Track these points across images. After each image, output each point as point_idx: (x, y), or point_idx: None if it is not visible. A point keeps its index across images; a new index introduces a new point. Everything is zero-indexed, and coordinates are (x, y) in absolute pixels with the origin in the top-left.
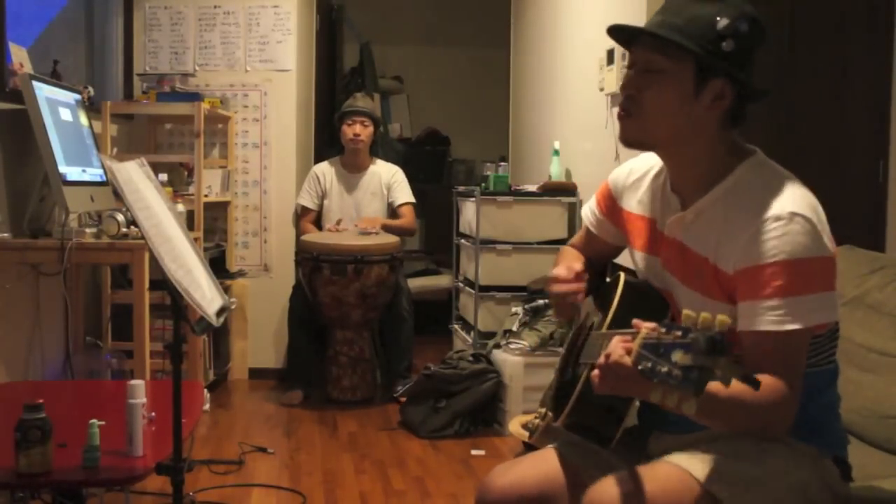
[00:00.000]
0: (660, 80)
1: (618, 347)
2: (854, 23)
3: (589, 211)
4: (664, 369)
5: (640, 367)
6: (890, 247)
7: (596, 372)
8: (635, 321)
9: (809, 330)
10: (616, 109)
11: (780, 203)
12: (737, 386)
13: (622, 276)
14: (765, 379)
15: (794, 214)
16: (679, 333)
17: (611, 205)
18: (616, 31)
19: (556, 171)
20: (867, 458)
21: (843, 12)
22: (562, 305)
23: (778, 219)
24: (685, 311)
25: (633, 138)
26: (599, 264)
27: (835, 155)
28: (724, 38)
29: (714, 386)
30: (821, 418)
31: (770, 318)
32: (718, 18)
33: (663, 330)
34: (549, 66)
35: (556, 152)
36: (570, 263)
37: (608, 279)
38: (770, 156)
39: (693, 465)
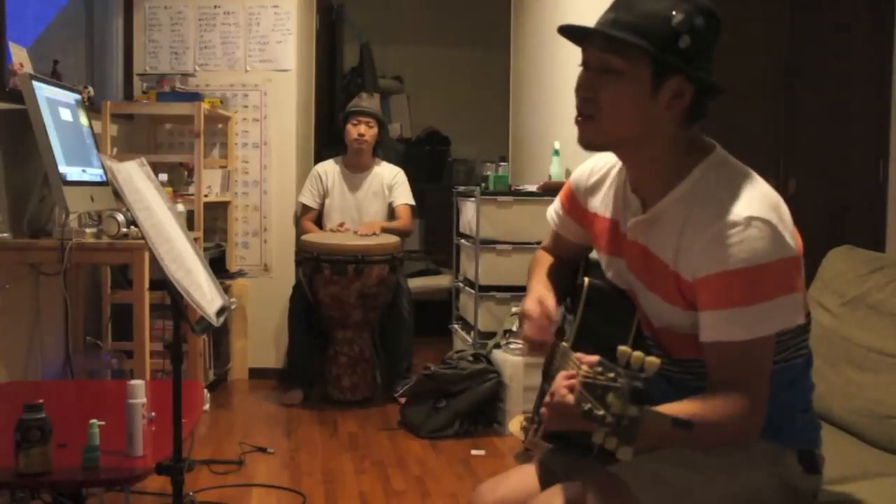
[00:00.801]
0: (616, 81)
1: (561, 387)
2: (855, 23)
3: (554, 213)
4: (600, 413)
5: (581, 408)
6: (890, 247)
7: (544, 409)
8: (578, 355)
9: (770, 338)
10: None
11: (736, 207)
12: (692, 408)
13: (586, 281)
14: (724, 394)
15: (750, 219)
16: (611, 375)
17: (574, 205)
18: (567, 30)
19: (556, 171)
20: (867, 457)
21: (844, 12)
22: (533, 347)
23: (734, 225)
24: (620, 348)
25: (592, 141)
26: (573, 262)
27: (835, 155)
28: (679, 35)
29: (675, 408)
30: (782, 413)
31: (731, 328)
32: (673, 13)
33: (599, 370)
34: (549, 66)
35: (556, 152)
36: (541, 294)
37: (578, 282)
38: (770, 156)
39: (628, 473)
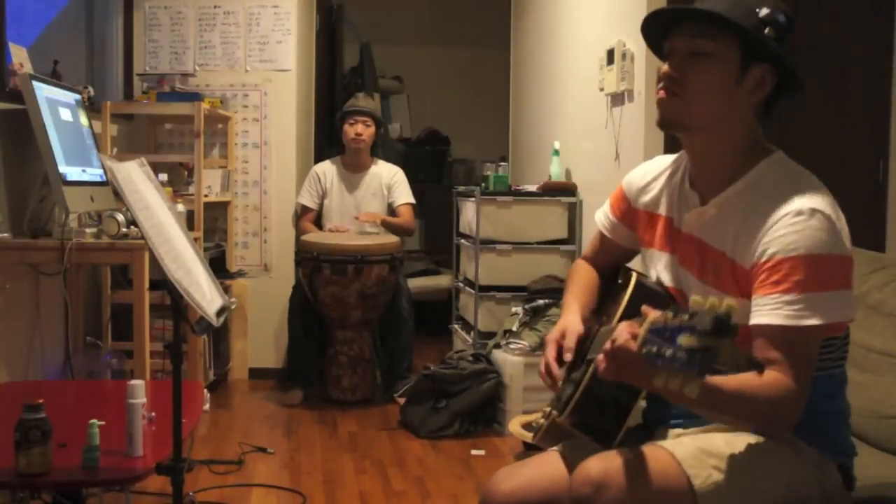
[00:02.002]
0: (707, 62)
1: (623, 332)
2: (854, 22)
3: (603, 215)
4: (668, 352)
5: (644, 351)
6: (890, 247)
7: (601, 357)
8: (644, 307)
9: (824, 328)
10: (615, 111)
11: (801, 199)
12: (740, 378)
13: (634, 275)
14: (771, 374)
15: (814, 210)
16: (686, 317)
17: (625, 207)
18: (653, 22)
19: (556, 171)
20: (868, 458)
21: (844, 12)
22: (546, 375)
23: (799, 213)
24: (693, 297)
25: (674, 119)
26: (610, 272)
27: (835, 155)
28: (765, 26)
29: (717, 379)
30: (827, 424)
31: (786, 311)
32: (758, 9)
33: (671, 315)
34: (549, 66)
35: (556, 152)
36: (568, 324)
37: (619, 280)
38: None
39: (679, 448)
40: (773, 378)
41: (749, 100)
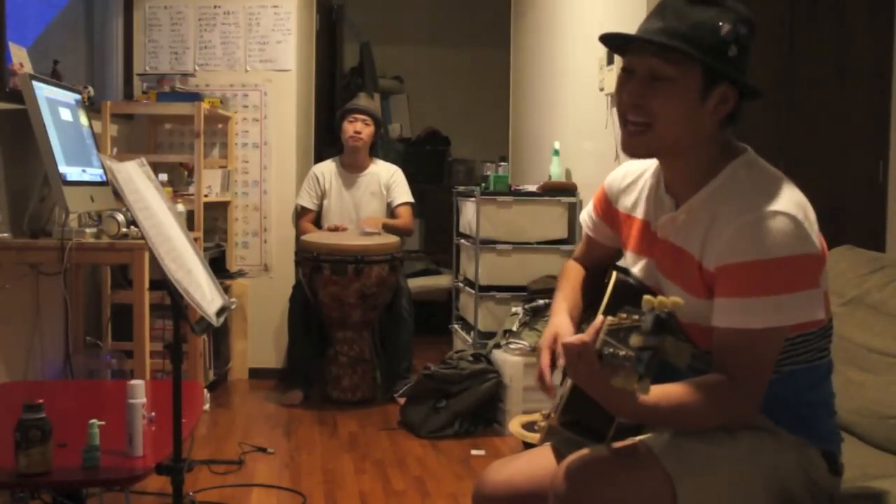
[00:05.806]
0: (668, 87)
1: (583, 335)
2: (854, 23)
3: (587, 216)
4: (622, 353)
5: (604, 353)
6: (890, 247)
7: (566, 360)
8: (601, 316)
9: (781, 330)
10: (614, 111)
11: (763, 201)
12: (682, 392)
13: (615, 273)
14: (715, 383)
15: (776, 213)
16: (636, 317)
17: (607, 208)
18: (611, 38)
19: (556, 171)
20: (867, 458)
21: (843, 12)
22: (543, 383)
23: (759, 217)
24: (645, 297)
25: (640, 151)
26: (601, 269)
27: (835, 155)
28: (727, 45)
29: (655, 396)
30: (810, 413)
31: (745, 317)
32: (721, 24)
33: (624, 315)
34: (549, 66)
35: (556, 152)
36: (559, 327)
37: (605, 280)
38: (770, 156)
39: (657, 442)
40: (717, 387)
41: (712, 118)
